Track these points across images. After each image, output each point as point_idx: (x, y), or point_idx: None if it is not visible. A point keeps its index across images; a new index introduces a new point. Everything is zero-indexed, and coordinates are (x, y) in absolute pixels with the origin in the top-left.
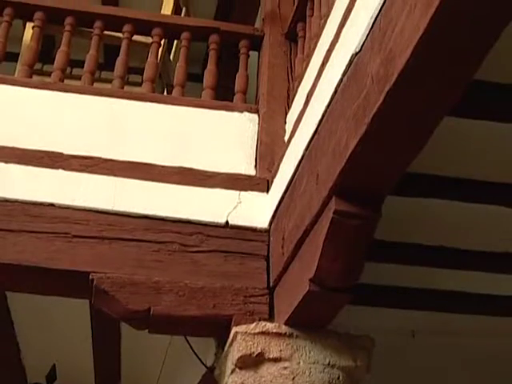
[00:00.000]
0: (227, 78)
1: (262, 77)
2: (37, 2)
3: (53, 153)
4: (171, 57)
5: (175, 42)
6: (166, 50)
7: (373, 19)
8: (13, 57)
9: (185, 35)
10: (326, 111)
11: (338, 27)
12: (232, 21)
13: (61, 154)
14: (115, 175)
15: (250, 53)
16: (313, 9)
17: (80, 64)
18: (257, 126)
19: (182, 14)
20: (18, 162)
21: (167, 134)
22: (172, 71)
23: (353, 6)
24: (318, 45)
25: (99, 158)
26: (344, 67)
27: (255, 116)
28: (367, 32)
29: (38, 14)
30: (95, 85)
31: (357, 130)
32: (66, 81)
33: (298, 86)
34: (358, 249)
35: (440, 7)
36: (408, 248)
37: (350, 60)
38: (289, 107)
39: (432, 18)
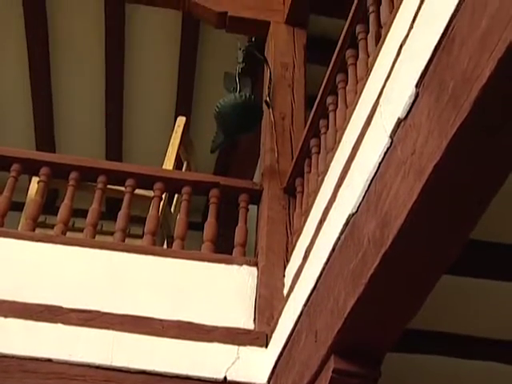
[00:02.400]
0: (227, 227)
1: (261, 230)
2: (43, 158)
3: (53, 306)
4: (172, 209)
5: (176, 194)
6: (167, 202)
7: (368, 182)
8: (16, 206)
9: (186, 189)
10: (324, 268)
11: (335, 186)
12: (231, 173)
13: (60, 308)
14: (113, 329)
15: (250, 206)
16: (310, 165)
17: (82, 213)
18: (256, 279)
19: (184, 168)
20: (18, 317)
21: (167, 287)
22: (173, 223)
23: (349, 167)
24: (316, 201)
25: (98, 312)
26: (341, 226)
27: (254, 269)
28: (363, 194)
29: (43, 170)
30: (97, 237)
31: (355, 289)
32: (68, 233)
33: (296, 241)
34: None
35: (432, 173)
36: None
37: (346, 220)
38: (287, 261)
39: (425, 184)
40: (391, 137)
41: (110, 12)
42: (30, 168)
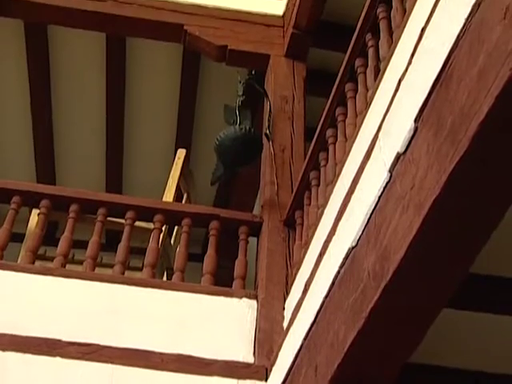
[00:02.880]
0: (226, 258)
1: (260, 263)
2: (43, 190)
3: (51, 340)
4: (172, 240)
5: (176, 226)
6: (167, 233)
7: (368, 215)
8: (16, 237)
9: (185, 221)
10: (324, 302)
11: (335, 219)
12: (231, 205)
13: (59, 341)
14: (113, 362)
15: (249, 238)
16: (310, 198)
17: (82, 244)
18: (255, 312)
19: (184, 200)
20: (16, 350)
21: (166, 319)
22: (172, 255)
23: (348, 200)
24: (316, 234)
25: (97, 345)
26: (341, 260)
27: (254, 302)
28: (363, 227)
29: (44, 202)
30: (96, 270)
31: (354, 324)
32: (68, 265)
33: (296, 273)
34: None
35: (432, 208)
36: None
37: (346, 253)
38: (287, 293)
39: (425, 218)
40: (390, 171)
41: (111, 44)
42: (31, 200)
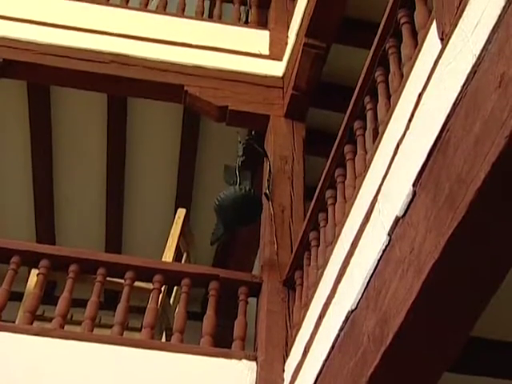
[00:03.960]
0: (226, 318)
1: (260, 324)
2: (43, 250)
3: None
4: (171, 301)
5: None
6: (166, 293)
7: (367, 278)
8: (14, 296)
9: (185, 282)
10: (323, 365)
11: (335, 281)
12: (230, 264)
13: None
14: None
15: (249, 299)
16: (310, 258)
17: (81, 303)
18: (255, 374)
19: (183, 260)
20: None
21: (165, 381)
22: (172, 315)
23: (348, 262)
24: (316, 295)
25: None
26: (341, 323)
27: (253, 364)
28: (362, 290)
29: (43, 262)
30: (95, 330)
31: None
32: (66, 325)
33: (296, 335)
34: None
35: (431, 272)
36: None
37: (346, 316)
38: (287, 355)
39: (424, 283)
40: (389, 234)
41: (112, 104)
42: (30, 260)
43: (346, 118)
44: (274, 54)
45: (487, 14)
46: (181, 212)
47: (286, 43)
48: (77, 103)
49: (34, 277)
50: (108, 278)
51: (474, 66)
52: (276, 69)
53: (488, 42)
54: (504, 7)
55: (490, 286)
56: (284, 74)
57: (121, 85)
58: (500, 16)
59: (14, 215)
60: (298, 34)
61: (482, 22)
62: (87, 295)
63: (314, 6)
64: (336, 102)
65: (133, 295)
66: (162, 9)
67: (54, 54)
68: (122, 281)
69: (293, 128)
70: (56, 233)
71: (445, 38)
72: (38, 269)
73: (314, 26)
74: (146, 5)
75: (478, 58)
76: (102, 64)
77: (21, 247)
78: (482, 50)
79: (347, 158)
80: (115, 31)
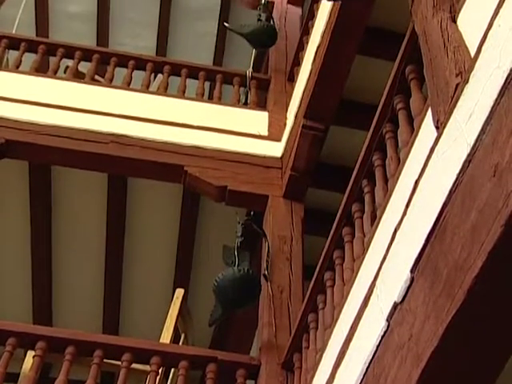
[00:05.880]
0: None
1: None
2: (39, 332)
3: None
4: (168, 383)
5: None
6: (164, 375)
7: (366, 364)
8: (10, 377)
9: (183, 364)
10: None
11: (334, 366)
12: (228, 345)
13: None
14: None
15: (247, 381)
16: (308, 341)
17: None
18: None
19: (181, 341)
20: None
21: None
22: None
23: (347, 347)
24: (314, 380)
25: None
26: None
27: None
28: (361, 376)
29: (39, 344)
30: None
31: None
32: None
33: None
34: None
35: (430, 360)
36: None
37: None
38: None
39: (423, 371)
40: (388, 320)
41: (112, 183)
42: (26, 342)
43: (344, 201)
44: (273, 135)
45: (480, 104)
46: (179, 292)
47: (285, 124)
48: (77, 182)
49: (30, 358)
50: (105, 360)
51: (468, 155)
52: (275, 149)
53: (482, 132)
54: (496, 99)
55: (491, 373)
56: (283, 155)
57: (121, 165)
58: (493, 107)
59: (11, 295)
60: (296, 116)
61: (476, 112)
62: (84, 377)
63: (313, 88)
64: (334, 182)
65: (130, 377)
66: (163, 90)
67: (54, 134)
68: (119, 363)
69: (291, 208)
70: (53, 313)
71: (440, 127)
72: (35, 351)
73: (312, 108)
74: (148, 86)
75: (473, 148)
76: (102, 144)
77: (17, 329)
78: (477, 140)
79: (345, 240)
80: (116, 112)
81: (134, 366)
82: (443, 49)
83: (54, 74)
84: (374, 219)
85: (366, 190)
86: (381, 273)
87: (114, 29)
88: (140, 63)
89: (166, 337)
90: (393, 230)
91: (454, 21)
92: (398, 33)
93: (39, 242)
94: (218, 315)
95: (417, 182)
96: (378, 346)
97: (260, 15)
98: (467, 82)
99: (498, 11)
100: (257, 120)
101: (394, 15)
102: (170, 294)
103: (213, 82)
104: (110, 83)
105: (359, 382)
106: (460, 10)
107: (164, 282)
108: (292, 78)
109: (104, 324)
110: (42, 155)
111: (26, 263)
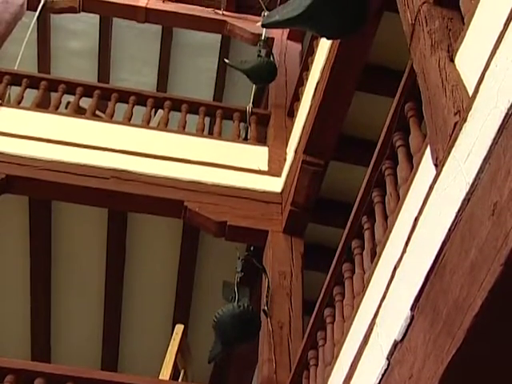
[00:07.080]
0: None
1: None
2: (38, 369)
3: None
4: None
5: None
6: None
7: None
8: None
9: None
10: None
11: None
12: (228, 380)
13: None
14: None
15: None
16: (309, 378)
17: None
18: None
19: (180, 377)
20: None
21: None
22: None
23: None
24: None
25: None
26: None
27: None
28: None
29: (38, 381)
30: None
31: None
32: None
33: None
34: None
35: None
36: None
37: None
38: None
39: None
40: (388, 358)
41: (112, 218)
42: (25, 379)
43: (344, 237)
44: (273, 170)
45: (479, 143)
46: (179, 328)
47: (285, 159)
48: (77, 217)
49: None
50: None
51: (467, 194)
52: (275, 185)
53: (480, 170)
54: (494, 138)
55: None
56: (282, 190)
57: (121, 200)
58: (491, 147)
59: (10, 331)
60: (296, 151)
61: (474, 151)
62: None
63: (312, 124)
64: (334, 217)
65: None
66: (164, 125)
67: (55, 169)
68: None
69: (291, 243)
70: (51, 349)
71: (439, 165)
72: None
73: (312, 144)
74: (148, 122)
75: (472, 186)
76: (102, 180)
77: (15, 366)
78: (475, 179)
79: (345, 276)
80: (117, 147)
81: None
82: (441, 87)
83: (56, 110)
84: (374, 256)
85: (365, 226)
86: (381, 310)
87: (115, 65)
88: (141, 99)
89: (165, 374)
90: (392, 267)
91: (452, 60)
92: (397, 70)
93: (39, 277)
94: (218, 351)
95: (416, 220)
96: None
97: (260, 51)
98: (465, 120)
99: (495, 52)
100: (257, 155)
101: (393, 53)
102: (169, 330)
103: (213, 117)
104: (110, 119)
105: None
106: (458, 49)
107: (163, 317)
108: (292, 114)
109: (103, 359)
110: (42, 190)
111: (25, 299)
